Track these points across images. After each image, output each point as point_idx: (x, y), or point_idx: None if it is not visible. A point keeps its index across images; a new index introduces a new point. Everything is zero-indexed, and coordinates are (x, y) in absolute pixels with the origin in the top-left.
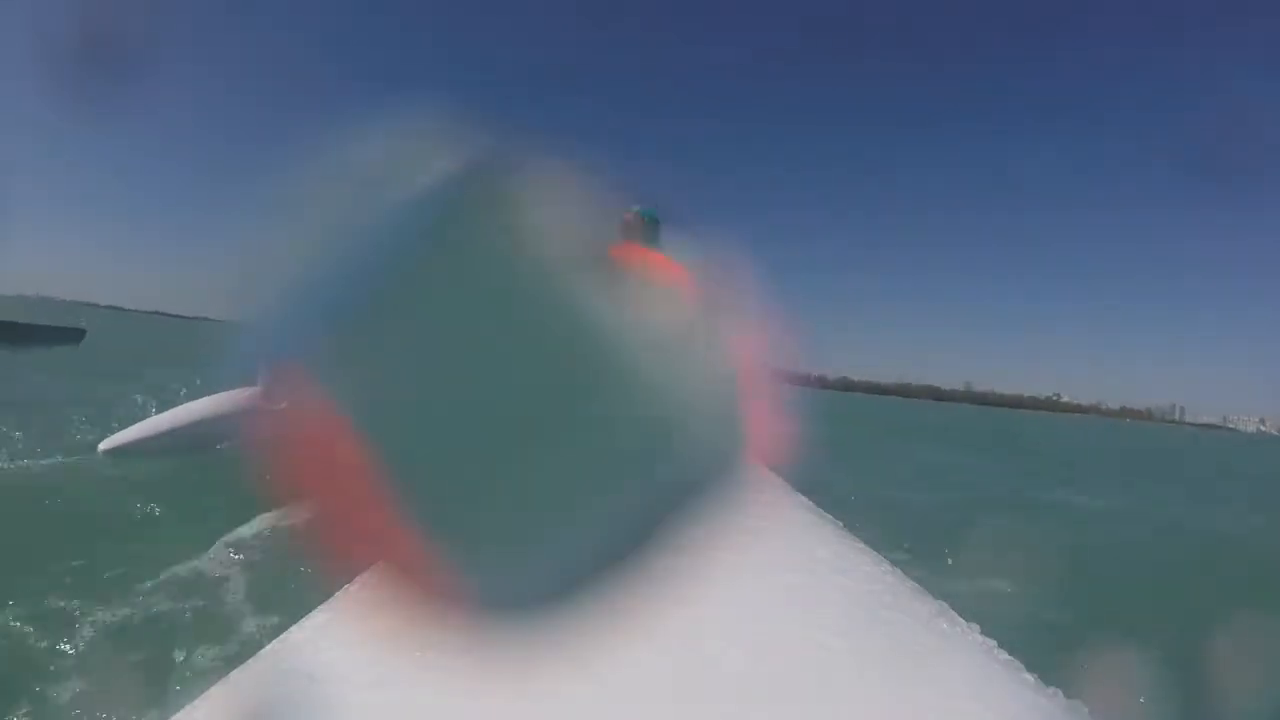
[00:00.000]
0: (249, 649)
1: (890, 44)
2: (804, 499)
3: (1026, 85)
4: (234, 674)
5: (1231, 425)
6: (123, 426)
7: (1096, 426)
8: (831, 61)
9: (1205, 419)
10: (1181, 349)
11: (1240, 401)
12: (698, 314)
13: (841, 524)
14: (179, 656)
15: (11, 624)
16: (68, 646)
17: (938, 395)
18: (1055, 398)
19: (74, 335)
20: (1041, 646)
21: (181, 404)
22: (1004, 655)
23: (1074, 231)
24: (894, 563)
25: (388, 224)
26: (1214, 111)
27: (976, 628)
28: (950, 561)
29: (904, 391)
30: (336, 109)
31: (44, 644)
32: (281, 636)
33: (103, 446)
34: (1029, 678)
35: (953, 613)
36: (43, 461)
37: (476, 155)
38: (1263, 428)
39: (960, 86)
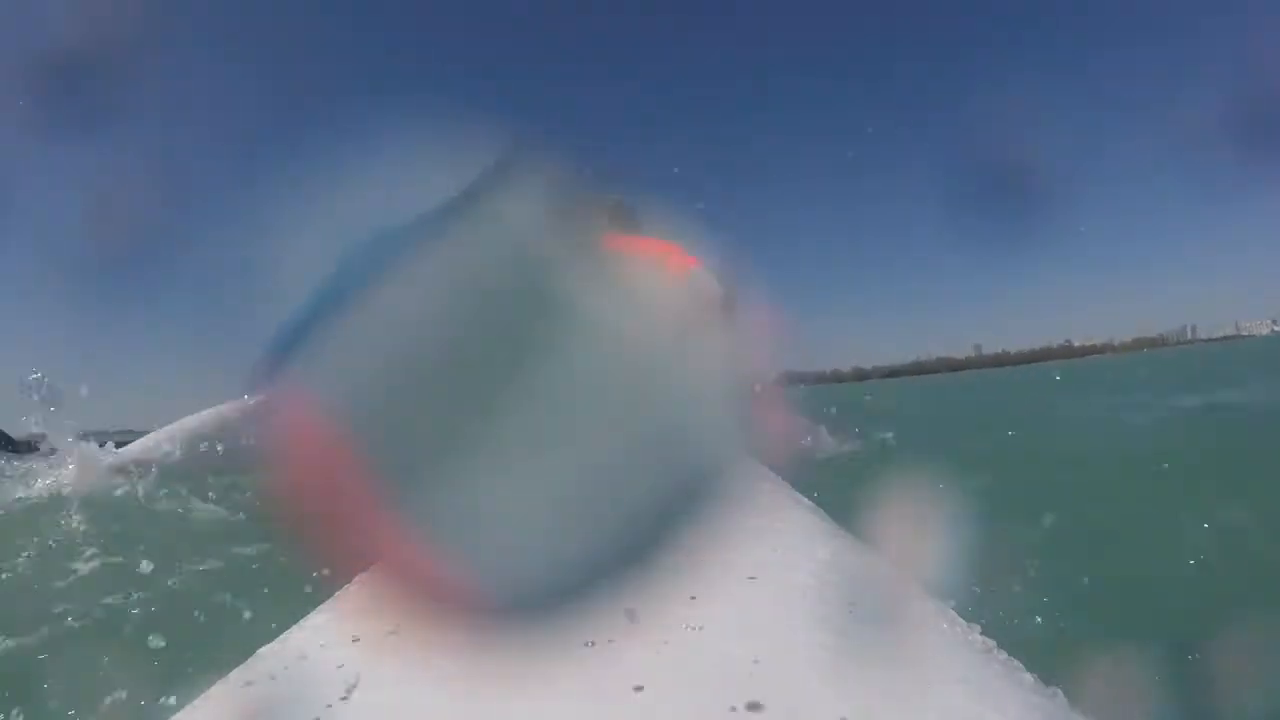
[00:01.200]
0: (247, 649)
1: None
2: (804, 499)
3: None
4: (233, 674)
5: (1245, 333)
6: None
7: (1112, 365)
8: (808, 35)
9: (1220, 333)
10: (1182, 269)
11: (1251, 307)
12: (695, 313)
13: (841, 524)
14: (176, 657)
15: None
16: (62, 646)
17: (953, 366)
18: (1067, 344)
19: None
20: (1042, 647)
21: (182, 417)
22: (1004, 655)
23: (1054, 165)
24: (893, 563)
25: (393, 231)
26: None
27: (977, 628)
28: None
29: (918, 369)
30: (343, 110)
31: (40, 643)
32: (281, 637)
33: (106, 462)
34: (1029, 677)
35: (953, 613)
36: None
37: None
38: (1276, 329)
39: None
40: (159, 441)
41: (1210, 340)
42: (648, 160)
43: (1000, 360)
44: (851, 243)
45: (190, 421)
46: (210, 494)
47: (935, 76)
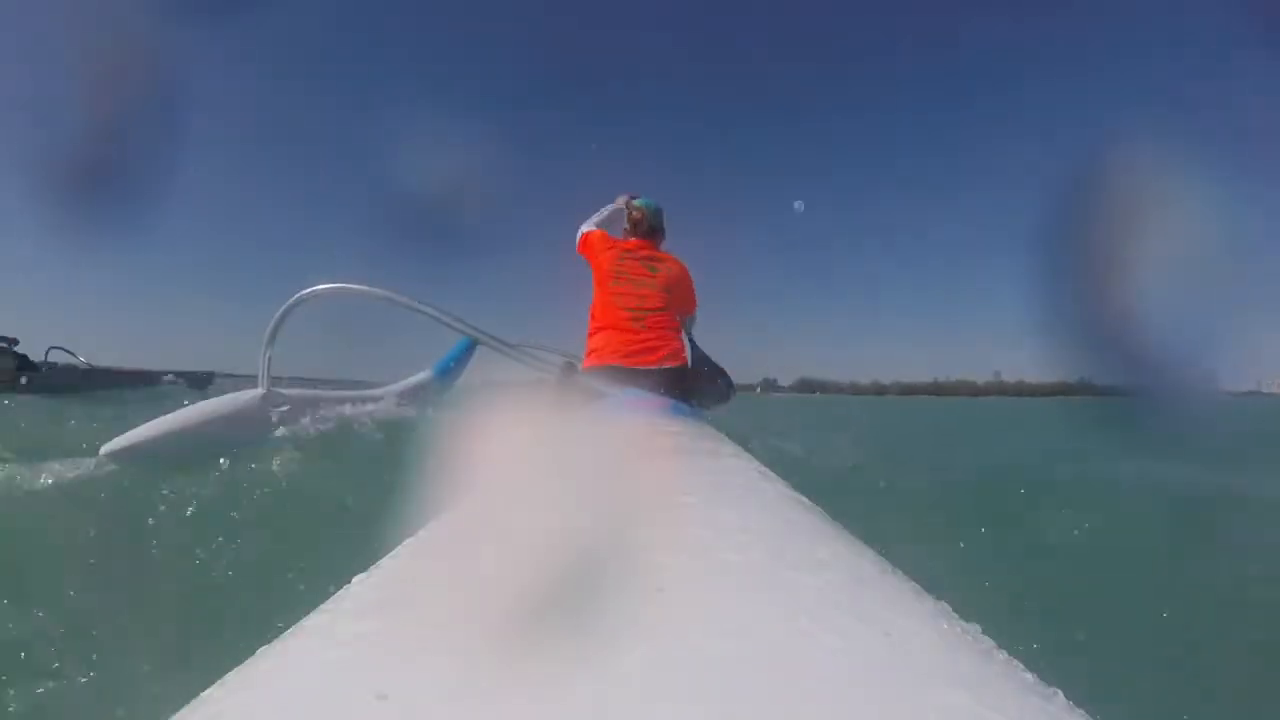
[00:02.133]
0: (246, 650)
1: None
2: (804, 499)
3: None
4: (230, 675)
5: (1266, 390)
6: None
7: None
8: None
9: (1243, 388)
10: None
11: (1272, 368)
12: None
13: (841, 524)
14: (173, 658)
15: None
16: (57, 647)
17: (972, 390)
18: (1085, 380)
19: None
20: (1041, 646)
21: (183, 407)
22: (1004, 655)
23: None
24: (894, 562)
25: None
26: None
27: (976, 627)
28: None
29: (936, 389)
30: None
31: (34, 644)
32: (280, 637)
33: (105, 449)
34: (1029, 677)
35: (952, 613)
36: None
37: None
38: None
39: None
40: (159, 429)
41: (1233, 394)
42: (692, 174)
43: (1019, 389)
44: (883, 253)
45: (192, 411)
46: (210, 488)
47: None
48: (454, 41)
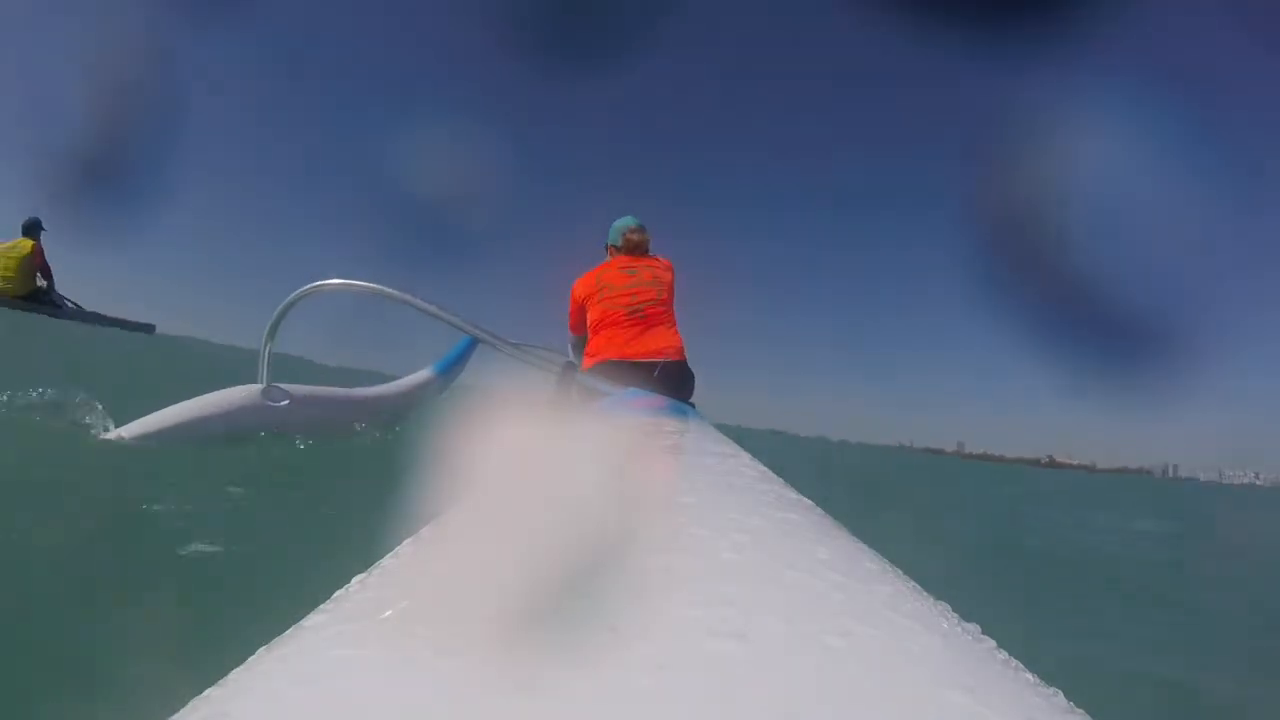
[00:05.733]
0: (246, 650)
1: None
2: (804, 499)
3: None
4: (230, 675)
5: (1227, 481)
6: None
7: (1102, 481)
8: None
9: (1203, 476)
10: (1176, 412)
11: (1237, 456)
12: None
13: (841, 524)
14: (172, 658)
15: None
16: (56, 647)
17: (935, 457)
18: (1050, 459)
19: (147, 328)
20: (1041, 646)
21: (192, 397)
22: (1004, 655)
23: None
24: (893, 563)
25: None
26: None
27: (976, 627)
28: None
29: (902, 453)
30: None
31: (33, 644)
32: (280, 637)
33: (114, 434)
34: (1029, 677)
35: (952, 613)
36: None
37: None
38: (1256, 481)
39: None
40: (169, 418)
41: (1192, 480)
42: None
43: (984, 459)
44: (856, 321)
45: (200, 403)
46: (205, 484)
47: None
48: (455, 40)
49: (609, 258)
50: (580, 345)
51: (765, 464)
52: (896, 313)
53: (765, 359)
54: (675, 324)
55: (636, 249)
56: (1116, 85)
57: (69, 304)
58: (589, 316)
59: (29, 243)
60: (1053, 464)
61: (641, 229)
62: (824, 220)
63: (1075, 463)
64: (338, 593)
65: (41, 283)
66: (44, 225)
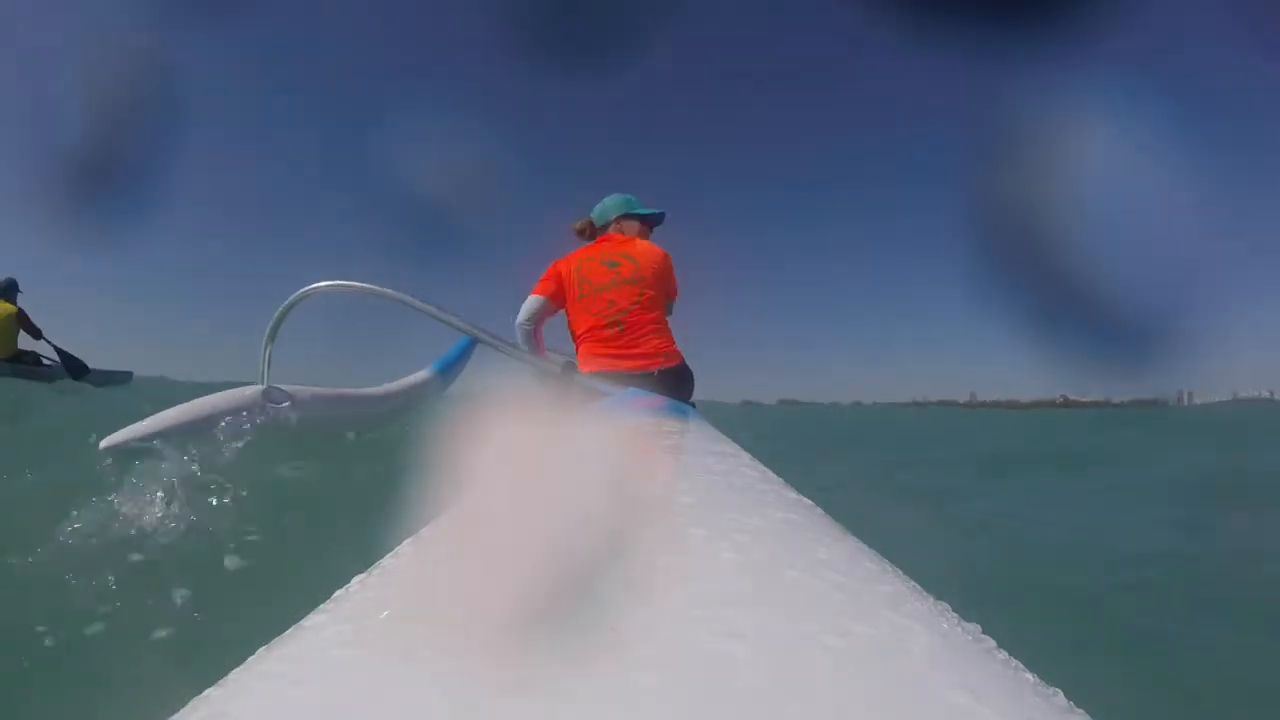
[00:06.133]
0: (245, 650)
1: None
2: (804, 499)
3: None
4: (229, 675)
5: (1240, 399)
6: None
7: (1120, 417)
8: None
9: (1217, 398)
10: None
11: (1249, 378)
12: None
13: (841, 524)
14: (172, 658)
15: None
16: (55, 648)
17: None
18: (1064, 398)
19: (124, 377)
20: (1041, 646)
21: (181, 402)
22: (1004, 655)
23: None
24: (894, 562)
25: None
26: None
27: (976, 627)
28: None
29: (917, 408)
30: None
31: (31, 645)
32: (280, 637)
33: (103, 444)
34: (1029, 677)
35: (952, 613)
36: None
37: None
38: (1275, 398)
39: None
40: (157, 425)
41: (1208, 404)
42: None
43: (996, 405)
44: (866, 286)
45: (190, 407)
46: (206, 485)
47: None
48: (453, 42)
49: (589, 240)
50: (532, 318)
51: (768, 432)
52: (897, 280)
53: (775, 335)
54: (665, 326)
55: (624, 233)
56: (1115, 79)
57: (55, 357)
58: (569, 314)
59: (10, 307)
60: (1067, 403)
61: (633, 214)
62: (828, 202)
63: (1089, 400)
64: (338, 593)
65: (29, 345)
66: (19, 286)
